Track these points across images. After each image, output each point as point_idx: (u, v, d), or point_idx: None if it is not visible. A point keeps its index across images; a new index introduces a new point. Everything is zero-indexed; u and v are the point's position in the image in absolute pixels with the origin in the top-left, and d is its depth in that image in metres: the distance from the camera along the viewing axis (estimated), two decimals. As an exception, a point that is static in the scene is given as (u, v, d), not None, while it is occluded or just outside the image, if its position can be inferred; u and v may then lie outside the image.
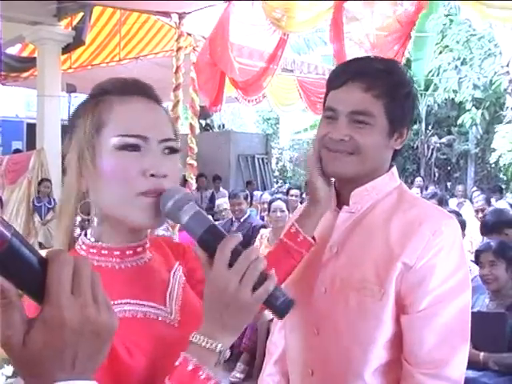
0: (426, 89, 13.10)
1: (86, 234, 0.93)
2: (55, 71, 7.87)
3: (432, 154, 14.21)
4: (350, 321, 1.20)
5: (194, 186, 7.33)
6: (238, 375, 4.34)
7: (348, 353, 1.21)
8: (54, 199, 7.37)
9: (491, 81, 11.78)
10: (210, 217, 0.88)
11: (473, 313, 1.22)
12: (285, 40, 6.08)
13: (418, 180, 10.39)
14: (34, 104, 8.80)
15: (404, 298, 1.16)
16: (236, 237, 0.79)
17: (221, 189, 10.35)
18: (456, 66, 12.50)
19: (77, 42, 7.82)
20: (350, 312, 1.20)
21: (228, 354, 0.80)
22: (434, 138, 14.20)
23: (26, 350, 0.55)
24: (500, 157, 11.63)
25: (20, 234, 0.56)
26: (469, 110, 12.54)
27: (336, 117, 1.23)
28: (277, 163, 17.49)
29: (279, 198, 5.04)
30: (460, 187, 9.50)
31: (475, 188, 9.75)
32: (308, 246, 1.27)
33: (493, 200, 7.29)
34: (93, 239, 0.91)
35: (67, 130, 0.94)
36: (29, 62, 8.77)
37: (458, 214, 4.52)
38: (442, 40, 12.70)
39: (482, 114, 12.52)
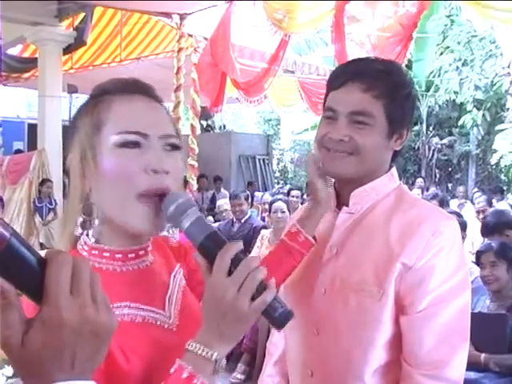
0: (427, 90, 13.09)
1: (87, 234, 0.92)
2: (56, 72, 7.88)
3: (433, 155, 14.20)
4: (350, 321, 1.20)
5: (195, 186, 7.34)
6: (239, 376, 4.33)
7: (347, 353, 1.21)
8: (54, 200, 7.38)
9: (492, 82, 11.77)
10: (211, 223, 0.87)
11: (474, 314, 1.22)
12: (286, 41, 6.09)
13: (419, 181, 10.37)
14: (35, 104, 8.83)
15: (403, 298, 1.16)
16: (237, 244, 0.79)
17: (222, 189, 10.34)
18: (457, 67, 12.49)
19: (78, 42, 7.84)
20: (350, 313, 1.20)
21: (224, 362, 0.79)
22: (435, 139, 14.19)
23: (24, 350, 0.55)
24: (501, 158, 11.62)
25: (19, 234, 0.56)
26: (470, 111, 12.53)
27: (336, 117, 1.24)
28: (278, 164, 17.49)
29: (280, 199, 5.04)
30: (461, 188, 9.48)
31: (476, 189, 9.75)
32: (309, 246, 1.27)
33: (494, 201, 7.30)
34: (93, 240, 0.91)
35: (69, 132, 0.93)
36: (30, 63, 8.80)
37: (459, 215, 4.51)
38: (443, 41, 12.68)
39: (483, 115, 12.50)
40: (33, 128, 10.15)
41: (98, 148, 0.87)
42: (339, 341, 1.22)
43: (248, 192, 7.47)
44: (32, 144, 10.05)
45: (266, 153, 13.57)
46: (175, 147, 0.91)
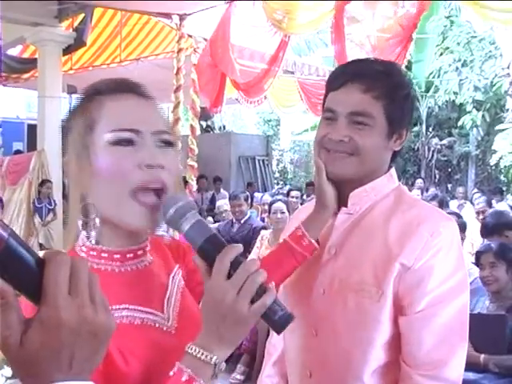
0: (427, 90, 13.10)
1: (87, 236, 0.92)
2: (56, 72, 7.88)
3: (433, 155, 14.21)
4: (349, 322, 1.20)
5: (195, 187, 7.34)
6: (238, 377, 4.33)
7: (346, 354, 1.21)
8: (54, 200, 7.38)
9: (492, 83, 11.78)
10: (211, 224, 0.87)
11: (473, 315, 1.22)
12: (286, 42, 6.09)
13: (419, 182, 10.38)
14: (35, 105, 8.82)
15: (402, 298, 1.16)
16: (236, 247, 0.78)
17: (221, 190, 10.35)
18: (457, 68, 12.49)
19: (78, 43, 7.84)
20: (349, 313, 1.20)
21: (224, 365, 0.79)
22: (435, 140, 14.20)
23: (23, 351, 0.55)
24: (501, 158, 11.63)
25: (17, 235, 0.56)
26: (469, 112, 12.54)
27: (335, 118, 1.24)
28: (277, 165, 17.49)
29: (280, 200, 5.04)
30: (461, 189, 9.49)
31: (476, 190, 9.76)
32: (312, 249, 1.27)
33: (493, 202, 7.30)
34: (93, 241, 0.91)
35: (62, 133, 0.94)
36: (30, 63, 8.79)
37: (458, 216, 4.52)
38: (442, 42, 12.69)
39: (483, 115, 12.51)
40: (32, 128, 10.14)
41: (92, 147, 0.87)
42: (338, 341, 1.22)
43: (248, 193, 7.47)
44: (31, 145, 10.05)
45: (266, 153, 13.58)
46: (168, 143, 0.91)
